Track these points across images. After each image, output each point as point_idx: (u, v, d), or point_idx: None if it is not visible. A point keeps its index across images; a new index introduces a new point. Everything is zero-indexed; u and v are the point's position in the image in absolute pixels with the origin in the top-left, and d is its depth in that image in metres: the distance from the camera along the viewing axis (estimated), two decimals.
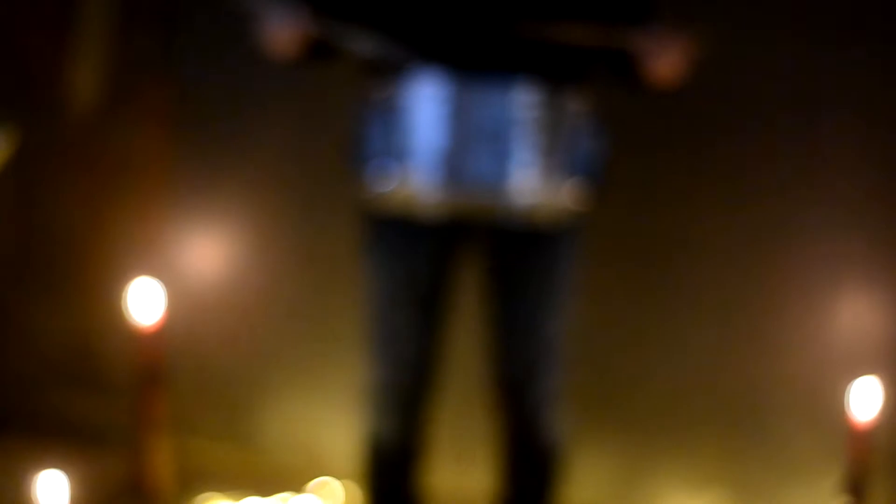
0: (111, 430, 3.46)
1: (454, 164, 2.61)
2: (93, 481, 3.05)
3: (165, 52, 3.55)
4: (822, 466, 3.20)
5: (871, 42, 3.17)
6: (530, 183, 2.62)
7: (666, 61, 2.58)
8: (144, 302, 2.88)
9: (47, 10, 3.59)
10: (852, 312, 3.23)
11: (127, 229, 3.60)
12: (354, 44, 2.62)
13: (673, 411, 3.37)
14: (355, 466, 2.97)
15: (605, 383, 3.37)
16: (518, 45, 2.59)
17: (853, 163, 3.20)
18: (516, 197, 2.62)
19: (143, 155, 3.59)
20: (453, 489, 3.24)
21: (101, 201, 3.63)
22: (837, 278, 3.24)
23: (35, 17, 3.58)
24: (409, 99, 2.61)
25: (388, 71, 2.63)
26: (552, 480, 2.87)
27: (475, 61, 2.59)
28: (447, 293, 2.77)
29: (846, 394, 2.79)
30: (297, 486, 3.38)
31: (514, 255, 2.72)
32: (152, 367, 2.84)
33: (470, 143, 2.60)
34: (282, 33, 2.61)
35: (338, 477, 3.39)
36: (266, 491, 3.35)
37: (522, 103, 2.59)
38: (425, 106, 2.60)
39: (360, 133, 2.70)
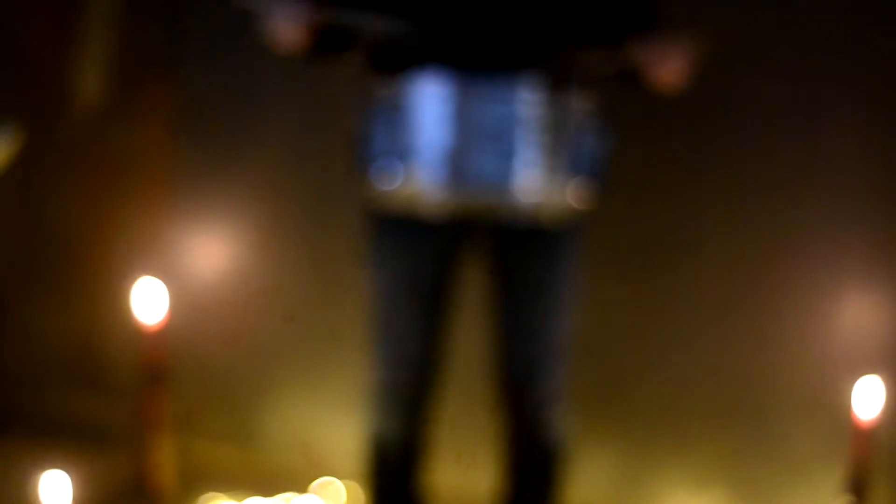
0: (114, 430, 3.46)
1: (458, 162, 2.61)
2: (95, 481, 3.04)
3: (168, 52, 3.55)
4: (824, 466, 3.20)
5: (872, 41, 3.18)
6: (533, 182, 2.62)
7: (670, 69, 2.59)
8: (147, 302, 2.88)
9: (50, 10, 3.59)
10: (854, 311, 3.24)
11: (129, 228, 3.60)
12: (362, 22, 2.61)
13: (674, 410, 3.37)
14: (358, 466, 2.97)
15: (607, 382, 3.37)
16: (522, 44, 2.59)
17: (854, 162, 3.21)
18: (519, 196, 2.62)
19: (146, 154, 3.59)
20: (455, 489, 3.24)
21: (104, 200, 3.63)
22: (839, 277, 3.24)
23: (38, 16, 3.58)
24: (414, 98, 2.61)
25: (396, 62, 2.63)
26: (554, 480, 2.87)
27: (479, 60, 2.59)
28: (450, 292, 2.78)
29: (848, 393, 2.79)
30: (299, 486, 3.38)
31: (517, 253, 2.72)
32: (155, 366, 2.84)
33: (473, 141, 2.60)
34: (287, 28, 2.61)
35: (340, 477, 3.39)
36: (268, 491, 3.35)
37: (526, 102, 2.60)
38: (429, 105, 2.60)
39: (364, 131, 2.71)
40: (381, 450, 2.85)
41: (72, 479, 2.46)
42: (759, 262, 3.29)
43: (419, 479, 2.90)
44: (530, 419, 2.82)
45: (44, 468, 2.49)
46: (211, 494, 3.33)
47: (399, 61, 2.63)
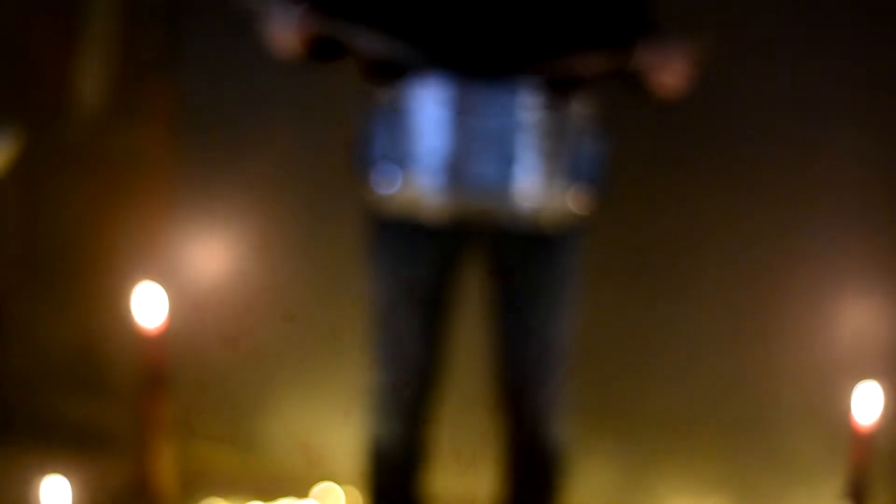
0: (114, 434, 3.46)
1: (457, 167, 2.61)
2: (95, 485, 3.04)
3: (168, 55, 3.55)
4: (824, 471, 3.20)
5: (872, 44, 3.18)
6: (533, 186, 2.62)
7: (671, 73, 2.59)
8: (147, 305, 2.88)
9: (51, 14, 3.59)
10: (855, 317, 3.24)
11: (130, 232, 3.60)
12: (360, 40, 2.61)
13: (676, 416, 3.37)
14: (358, 471, 2.97)
15: (608, 388, 3.37)
16: (522, 50, 2.59)
17: (856, 168, 3.21)
18: (519, 201, 2.62)
19: (147, 158, 3.59)
20: (456, 493, 3.23)
21: (105, 204, 3.63)
22: (840, 283, 3.24)
23: (39, 20, 3.58)
24: (414, 102, 2.62)
25: (392, 73, 2.63)
26: (554, 485, 2.87)
27: (479, 65, 2.59)
28: (450, 297, 2.78)
29: (847, 398, 2.79)
30: (299, 490, 3.38)
31: (516, 258, 2.72)
32: (155, 370, 2.84)
33: (473, 146, 2.60)
34: (287, 33, 2.61)
35: (341, 482, 3.39)
36: (269, 495, 3.35)
37: (526, 107, 2.60)
38: (429, 109, 2.60)
39: (364, 135, 2.71)
40: (381, 453, 2.85)
41: (72, 484, 2.46)
42: (759, 267, 3.29)
43: (419, 483, 2.90)
44: (530, 423, 2.81)
45: (44, 472, 2.49)
46: (211, 499, 3.33)
47: (395, 72, 2.63)
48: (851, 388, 2.75)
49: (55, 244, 3.69)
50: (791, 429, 3.32)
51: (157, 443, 2.88)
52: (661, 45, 2.60)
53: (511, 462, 2.88)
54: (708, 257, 3.33)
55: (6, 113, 3.23)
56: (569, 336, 2.77)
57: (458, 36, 2.60)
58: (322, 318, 3.51)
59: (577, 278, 2.77)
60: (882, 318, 3.23)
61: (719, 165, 3.28)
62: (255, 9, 2.62)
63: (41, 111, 3.58)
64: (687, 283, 3.35)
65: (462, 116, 2.59)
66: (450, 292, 2.77)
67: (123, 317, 3.03)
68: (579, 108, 2.66)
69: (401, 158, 2.64)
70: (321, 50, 2.66)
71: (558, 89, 2.61)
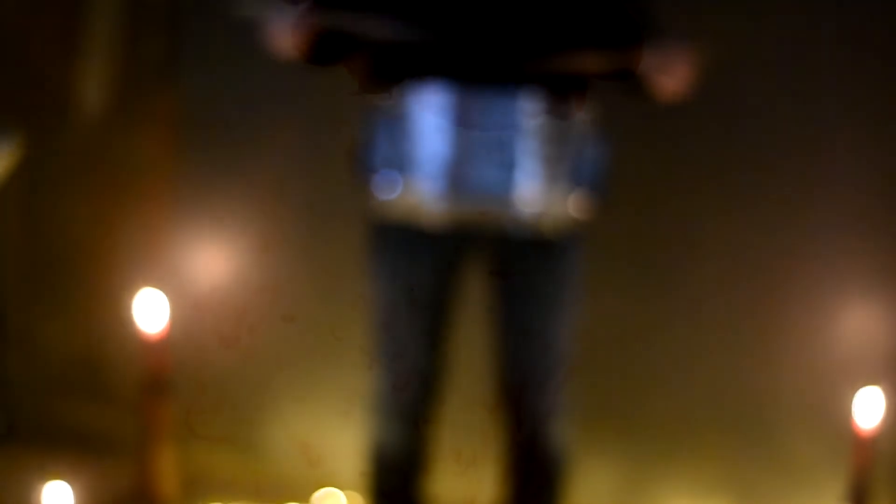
0: (115, 439, 3.46)
1: (459, 172, 2.61)
2: (97, 490, 3.04)
3: (170, 60, 3.55)
4: (826, 474, 3.20)
5: (875, 49, 3.18)
6: (534, 192, 2.62)
7: (673, 76, 2.59)
8: (148, 311, 2.88)
9: (53, 17, 3.59)
10: (857, 322, 3.24)
11: (131, 237, 3.60)
12: (366, 26, 2.60)
13: (677, 418, 3.37)
14: (359, 476, 2.97)
15: (609, 390, 3.37)
16: (522, 56, 2.59)
17: (858, 172, 3.20)
18: (520, 206, 2.62)
19: (148, 162, 3.59)
20: (456, 494, 3.23)
21: (106, 208, 3.62)
22: (842, 287, 3.24)
23: (40, 24, 3.58)
24: (415, 107, 2.61)
25: (393, 77, 2.63)
26: (556, 487, 2.86)
27: (480, 71, 2.60)
28: (451, 301, 2.77)
29: (849, 403, 2.80)
30: (301, 495, 3.38)
31: (518, 263, 2.72)
32: (157, 376, 2.84)
33: (474, 152, 2.60)
34: (289, 34, 2.61)
35: (342, 487, 3.39)
36: (270, 501, 3.34)
37: (527, 113, 2.60)
38: (430, 115, 2.60)
39: (366, 141, 2.71)
40: (383, 456, 2.84)
41: (74, 488, 2.47)
42: (761, 272, 3.29)
43: (420, 486, 2.90)
44: (531, 427, 2.81)
45: (46, 478, 2.49)
46: (212, 503, 3.33)
47: (399, 70, 2.63)
48: (852, 389, 2.76)
49: (56, 248, 3.69)
50: (792, 430, 3.32)
51: (158, 447, 2.89)
52: (663, 47, 2.60)
53: (511, 463, 2.87)
54: (708, 258, 3.32)
55: (7, 117, 3.23)
56: (569, 337, 2.77)
57: (460, 40, 2.60)
58: (322, 320, 3.51)
59: (578, 281, 2.77)
60: (883, 323, 3.23)
61: (722, 171, 3.28)
62: (257, 13, 2.62)
63: (43, 115, 3.57)
64: (687, 284, 3.35)
65: (463, 122, 2.59)
66: (450, 296, 2.77)
67: (125, 321, 3.05)
68: (580, 114, 2.66)
69: (401, 164, 2.64)
70: (322, 51, 2.66)
71: (559, 94, 2.61)
